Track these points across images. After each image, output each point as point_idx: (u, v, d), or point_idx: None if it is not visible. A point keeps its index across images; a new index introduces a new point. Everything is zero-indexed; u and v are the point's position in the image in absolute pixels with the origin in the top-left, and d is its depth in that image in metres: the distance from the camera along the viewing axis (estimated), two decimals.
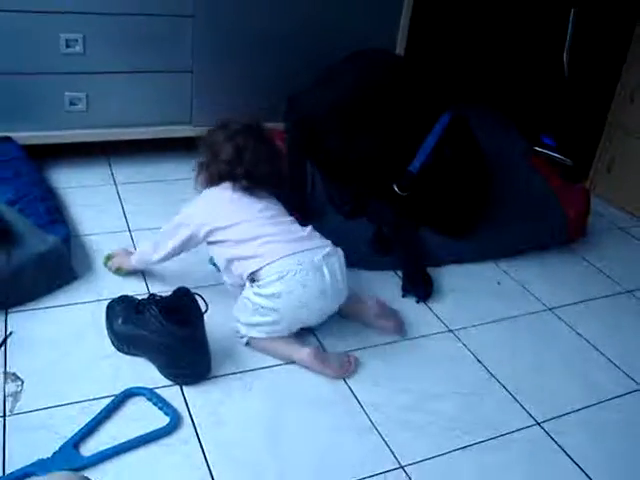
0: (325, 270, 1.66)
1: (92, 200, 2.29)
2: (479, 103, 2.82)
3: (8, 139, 2.32)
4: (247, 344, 1.71)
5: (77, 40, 2.31)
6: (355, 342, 1.78)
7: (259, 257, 1.66)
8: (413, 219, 2.19)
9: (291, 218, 1.80)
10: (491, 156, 2.27)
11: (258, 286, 1.65)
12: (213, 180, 1.81)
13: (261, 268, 1.64)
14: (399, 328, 1.84)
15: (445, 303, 2.01)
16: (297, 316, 1.68)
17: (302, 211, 2.12)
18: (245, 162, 1.76)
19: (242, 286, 1.72)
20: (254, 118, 1.88)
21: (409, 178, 2.09)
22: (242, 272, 1.70)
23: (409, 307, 1.97)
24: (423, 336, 1.86)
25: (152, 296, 1.59)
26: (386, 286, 2.04)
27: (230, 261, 1.73)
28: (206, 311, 1.55)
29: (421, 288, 2.00)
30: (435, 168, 2.10)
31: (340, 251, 1.74)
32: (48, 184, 2.25)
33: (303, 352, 1.65)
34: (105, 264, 1.95)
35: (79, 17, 2.29)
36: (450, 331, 1.89)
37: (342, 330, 1.82)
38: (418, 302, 1.99)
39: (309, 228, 1.77)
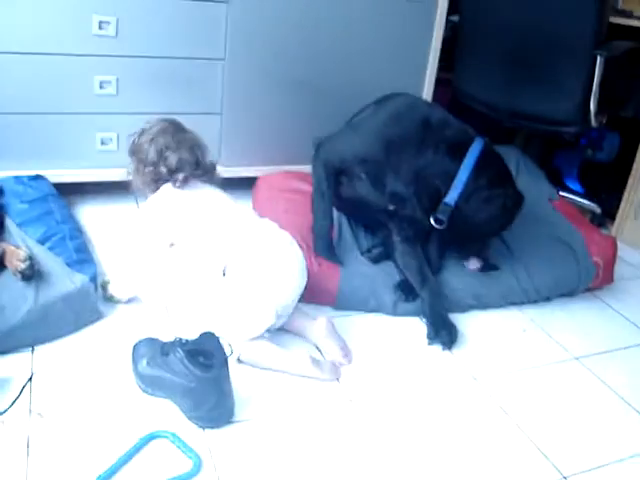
0: (292, 255, 1.84)
1: (118, 238, 2.31)
2: (504, 145, 2.83)
3: (40, 177, 2.36)
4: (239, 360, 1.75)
5: (110, 82, 2.37)
6: (380, 391, 1.77)
7: (229, 252, 1.80)
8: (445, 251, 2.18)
9: (240, 208, 1.93)
10: None
11: (230, 278, 1.78)
12: (149, 183, 1.95)
13: (231, 261, 1.79)
14: (345, 353, 1.86)
15: (469, 350, 2.00)
16: (279, 301, 1.78)
17: (328, 254, 2.13)
18: (171, 158, 1.90)
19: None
20: (168, 118, 2.03)
21: (447, 211, 2.08)
22: (213, 268, 1.81)
23: (434, 354, 1.96)
24: (447, 384, 1.84)
25: (178, 339, 1.60)
26: (411, 333, 2.04)
27: (189, 262, 1.85)
28: (230, 355, 1.56)
29: (446, 335, 1.99)
30: (472, 197, 2.09)
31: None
32: (77, 222, 2.28)
33: (291, 359, 1.75)
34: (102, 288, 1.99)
35: (113, 60, 2.36)
36: (474, 379, 1.87)
37: (369, 375, 1.81)
38: (443, 350, 1.97)
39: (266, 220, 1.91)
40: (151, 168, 1.93)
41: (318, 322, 1.89)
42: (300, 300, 2.00)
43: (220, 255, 1.82)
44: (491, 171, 2.11)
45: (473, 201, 2.07)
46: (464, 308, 2.17)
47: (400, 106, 2.19)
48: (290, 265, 1.83)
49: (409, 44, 2.72)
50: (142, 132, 1.99)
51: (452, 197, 2.07)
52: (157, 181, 1.95)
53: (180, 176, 1.90)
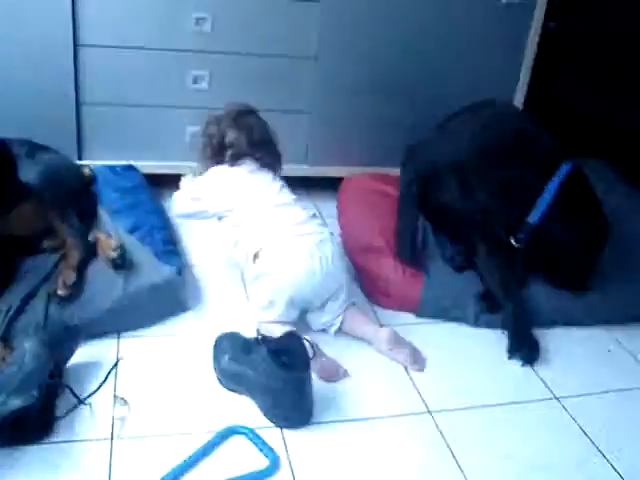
0: (315, 253, 1.80)
1: (205, 231, 2.34)
2: (597, 157, 2.75)
3: (132, 167, 2.43)
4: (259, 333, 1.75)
5: (204, 77, 2.41)
6: (457, 402, 1.75)
7: (260, 239, 1.84)
8: (527, 272, 2.13)
9: (294, 197, 1.98)
10: (608, 212, 2.19)
11: (257, 264, 1.83)
12: (209, 159, 2.05)
13: (261, 249, 1.82)
14: (414, 360, 1.85)
15: (551, 368, 1.94)
16: (289, 295, 1.79)
17: (411, 260, 2.11)
18: (227, 136, 2.01)
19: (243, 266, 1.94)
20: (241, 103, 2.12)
21: (528, 230, 2.04)
22: (247, 251, 1.87)
23: (514, 369, 1.91)
24: (527, 401, 1.80)
25: (261, 336, 1.62)
26: (491, 345, 2.00)
27: (236, 240, 1.93)
28: (313, 357, 1.56)
29: (528, 350, 1.94)
30: (554, 220, 2.04)
31: (336, 238, 1.96)
32: (165, 213, 2.33)
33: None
34: None
35: (208, 55, 2.40)
36: (556, 399, 1.82)
37: (447, 385, 1.79)
38: (523, 365, 1.93)
39: (309, 213, 1.94)
40: (210, 144, 2.05)
41: (380, 334, 1.87)
42: (379, 304, 2.05)
43: (254, 238, 1.87)
44: (577, 196, 2.07)
45: (555, 224, 2.03)
46: (547, 323, 2.10)
47: (495, 115, 2.16)
48: (312, 262, 1.80)
49: (503, 49, 2.65)
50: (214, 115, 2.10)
51: (534, 217, 2.03)
52: (216, 157, 2.04)
53: (229, 152, 2.00)
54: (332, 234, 1.95)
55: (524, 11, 2.63)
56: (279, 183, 2.02)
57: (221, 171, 2.01)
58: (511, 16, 2.61)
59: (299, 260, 1.80)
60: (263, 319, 1.82)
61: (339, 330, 1.90)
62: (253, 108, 2.12)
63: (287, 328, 1.75)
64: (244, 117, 2.08)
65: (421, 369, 1.84)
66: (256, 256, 1.84)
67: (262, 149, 2.04)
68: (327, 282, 1.83)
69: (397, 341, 1.86)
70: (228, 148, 2.02)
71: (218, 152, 2.04)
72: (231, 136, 2.02)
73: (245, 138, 2.02)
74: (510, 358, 1.95)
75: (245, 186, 1.96)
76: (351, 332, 1.90)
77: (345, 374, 1.77)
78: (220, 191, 1.96)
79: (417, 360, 1.86)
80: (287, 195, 1.99)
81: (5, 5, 2.18)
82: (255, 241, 1.86)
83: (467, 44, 2.61)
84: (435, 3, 2.53)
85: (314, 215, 1.98)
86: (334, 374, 1.75)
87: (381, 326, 1.94)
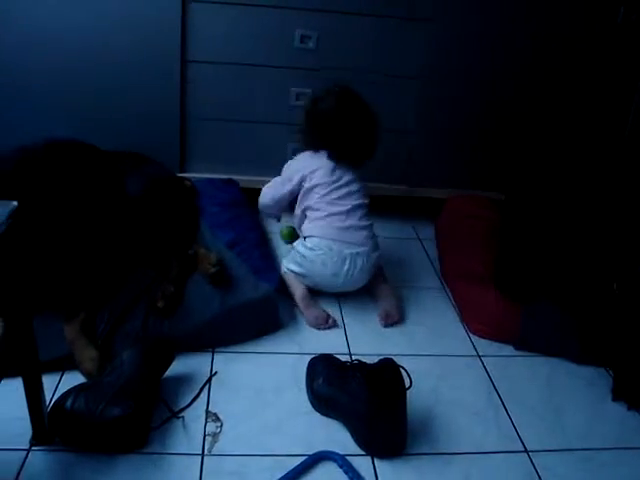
0: (347, 262, 2.02)
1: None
2: None
3: (232, 181, 2.45)
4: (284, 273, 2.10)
5: (307, 94, 2.42)
6: (555, 442, 1.66)
7: (313, 226, 2.07)
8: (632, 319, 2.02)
9: (357, 203, 2.08)
10: None
11: (304, 245, 2.06)
12: (311, 145, 2.14)
13: (311, 235, 2.06)
14: (385, 316, 2.05)
15: None
16: (316, 280, 2.07)
17: (510, 294, 2.03)
18: (340, 136, 2.07)
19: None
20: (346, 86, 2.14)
21: (633, 278, 1.93)
22: (303, 228, 2.13)
23: (619, 411, 1.81)
24: (632, 448, 1.69)
25: (358, 362, 1.59)
26: (593, 384, 1.90)
27: (303, 213, 2.15)
28: (409, 387, 1.52)
29: (634, 392, 1.83)
30: None
31: (372, 256, 2.07)
32: (263, 229, 2.34)
33: (299, 289, 2.05)
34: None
35: (311, 73, 2.42)
36: None
37: (546, 423, 1.71)
38: (629, 409, 1.82)
39: (363, 223, 2.08)
40: (322, 137, 2.11)
41: (381, 287, 2.14)
42: (476, 333, 2.04)
43: (311, 224, 2.09)
44: None
45: None
46: None
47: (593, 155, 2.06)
48: (341, 269, 2.03)
49: (616, 74, 2.54)
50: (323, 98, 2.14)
51: None
52: (313, 144, 2.14)
53: (336, 154, 2.08)
54: (372, 252, 2.08)
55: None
56: (355, 185, 2.10)
57: (311, 155, 2.13)
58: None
59: (332, 264, 2.02)
60: (290, 268, 2.08)
61: None
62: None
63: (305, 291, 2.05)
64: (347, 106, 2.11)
65: (384, 325, 2.04)
66: (307, 238, 2.08)
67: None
68: (346, 286, 2.09)
69: (390, 296, 2.11)
70: (338, 151, 2.10)
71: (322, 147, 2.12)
72: (357, 143, 2.10)
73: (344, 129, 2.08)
74: (615, 400, 1.84)
75: (327, 170, 2.09)
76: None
77: (334, 323, 2.00)
78: (308, 165, 2.11)
79: (390, 319, 2.04)
80: (356, 197, 2.10)
81: (117, 22, 2.26)
82: (310, 226, 2.08)
83: (573, 68, 2.51)
84: (547, 23, 2.45)
85: (367, 226, 2.10)
86: (322, 322, 1.98)
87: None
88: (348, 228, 2.05)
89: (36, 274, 1.59)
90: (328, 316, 2.01)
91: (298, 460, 1.49)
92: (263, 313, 1.88)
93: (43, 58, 2.27)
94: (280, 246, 2.37)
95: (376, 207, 2.29)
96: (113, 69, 2.32)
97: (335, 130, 2.07)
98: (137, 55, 2.31)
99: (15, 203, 1.20)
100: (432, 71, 2.46)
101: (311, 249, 2.04)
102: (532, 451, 1.63)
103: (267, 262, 2.08)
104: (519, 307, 2.02)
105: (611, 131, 2.52)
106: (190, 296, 1.85)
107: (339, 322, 2.03)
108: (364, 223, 2.08)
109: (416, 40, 2.41)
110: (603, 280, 1.97)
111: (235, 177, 2.50)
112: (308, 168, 2.10)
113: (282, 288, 2.07)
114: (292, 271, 2.08)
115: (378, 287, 2.14)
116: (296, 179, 2.11)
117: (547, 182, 2.10)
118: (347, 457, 1.51)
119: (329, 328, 1.98)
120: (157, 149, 2.33)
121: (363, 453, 1.54)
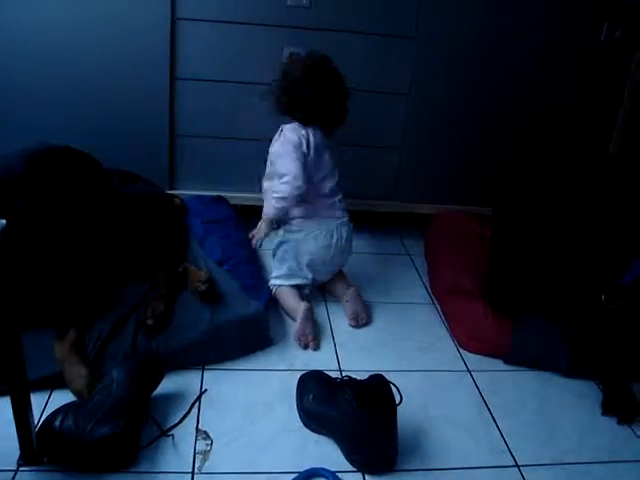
0: (335, 233, 2.14)
1: None
2: None
3: (221, 198, 2.46)
4: (274, 295, 2.11)
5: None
6: (547, 456, 1.66)
7: (301, 208, 2.14)
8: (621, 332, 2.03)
9: (335, 181, 2.16)
10: None
11: (289, 231, 2.16)
12: (286, 111, 2.13)
13: (298, 217, 2.15)
14: (354, 318, 2.09)
15: None
16: (308, 259, 2.13)
17: (502, 310, 2.04)
18: (319, 100, 2.07)
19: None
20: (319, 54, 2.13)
21: (620, 290, 1.95)
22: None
23: (609, 426, 1.81)
24: (623, 461, 1.69)
25: (348, 378, 1.59)
26: (583, 398, 1.90)
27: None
28: (400, 403, 1.52)
29: (624, 407, 1.83)
30: None
31: (350, 225, 2.20)
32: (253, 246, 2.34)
33: (300, 304, 2.02)
34: None
35: None
36: None
37: (537, 437, 1.71)
38: (619, 423, 1.82)
39: (339, 197, 2.18)
40: (300, 100, 2.09)
41: (349, 291, 2.15)
42: (466, 348, 2.03)
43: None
44: None
45: None
46: None
47: (584, 164, 2.08)
48: (331, 240, 2.14)
49: (600, 91, 2.57)
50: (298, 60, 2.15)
51: (626, 279, 1.94)
52: (284, 108, 2.13)
53: (298, 115, 2.11)
54: (350, 221, 2.20)
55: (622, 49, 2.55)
56: (331, 163, 2.17)
57: (291, 136, 2.11)
58: (608, 55, 2.54)
59: (322, 238, 2.12)
60: (278, 283, 2.12)
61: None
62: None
63: (299, 299, 2.07)
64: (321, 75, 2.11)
65: (356, 326, 2.09)
66: (292, 220, 2.16)
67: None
68: (337, 256, 2.17)
69: (356, 298, 2.14)
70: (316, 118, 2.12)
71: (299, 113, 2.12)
72: (331, 108, 2.12)
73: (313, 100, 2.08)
74: (604, 414, 1.84)
75: (311, 153, 2.11)
76: (329, 292, 2.25)
77: (314, 347, 1.97)
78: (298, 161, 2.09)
79: (359, 320, 2.09)
80: (332, 170, 2.17)
81: (104, 40, 2.27)
82: (298, 209, 2.14)
83: (561, 83, 2.54)
84: (531, 41, 2.48)
85: (342, 198, 2.19)
86: (306, 340, 1.97)
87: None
88: (332, 205, 2.16)
89: (25, 291, 1.59)
90: (315, 339, 1.98)
91: (289, 477, 1.48)
92: (253, 330, 1.88)
93: (29, 79, 2.28)
94: (270, 262, 2.36)
95: (365, 223, 2.30)
96: (102, 89, 2.33)
97: (305, 93, 2.07)
98: (126, 73, 2.32)
99: (4, 221, 1.19)
100: (420, 87, 2.48)
101: (298, 231, 2.14)
102: (523, 465, 1.62)
103: (256, 280, 2.08)
104: (509, 321, 2.02)
105: (596, 146, 2.55)
106: (180, 313, 1.84)
107: (329, 338, 2.03)
108: (339, 196, 2.18)
109: (404, 57, 2.43)
110: (591, 293, 1.98)
111: (224, 194, 2.50)
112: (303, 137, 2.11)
113: (272, 304, 2.07)
114: (281, 284, 2.11)
115: (343, 289, 2.19)
116: (303, 142, 2.10)
117: (534, 197, 2.11)
118: (338, 474, 1.51)
119: (306, 347, 1.97)
120: (146, 167, 2.33)
121: (354, 470, 1.53)
